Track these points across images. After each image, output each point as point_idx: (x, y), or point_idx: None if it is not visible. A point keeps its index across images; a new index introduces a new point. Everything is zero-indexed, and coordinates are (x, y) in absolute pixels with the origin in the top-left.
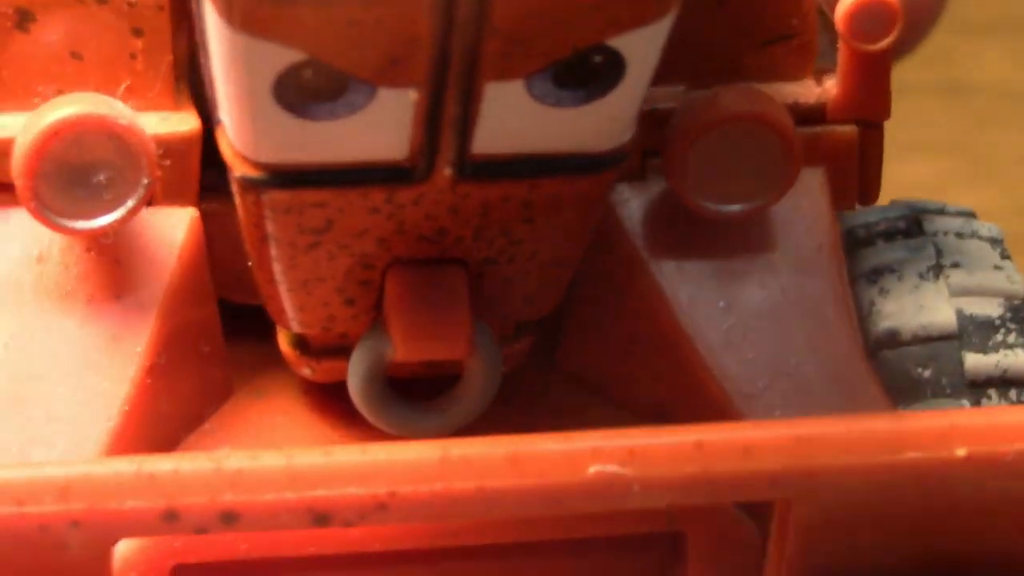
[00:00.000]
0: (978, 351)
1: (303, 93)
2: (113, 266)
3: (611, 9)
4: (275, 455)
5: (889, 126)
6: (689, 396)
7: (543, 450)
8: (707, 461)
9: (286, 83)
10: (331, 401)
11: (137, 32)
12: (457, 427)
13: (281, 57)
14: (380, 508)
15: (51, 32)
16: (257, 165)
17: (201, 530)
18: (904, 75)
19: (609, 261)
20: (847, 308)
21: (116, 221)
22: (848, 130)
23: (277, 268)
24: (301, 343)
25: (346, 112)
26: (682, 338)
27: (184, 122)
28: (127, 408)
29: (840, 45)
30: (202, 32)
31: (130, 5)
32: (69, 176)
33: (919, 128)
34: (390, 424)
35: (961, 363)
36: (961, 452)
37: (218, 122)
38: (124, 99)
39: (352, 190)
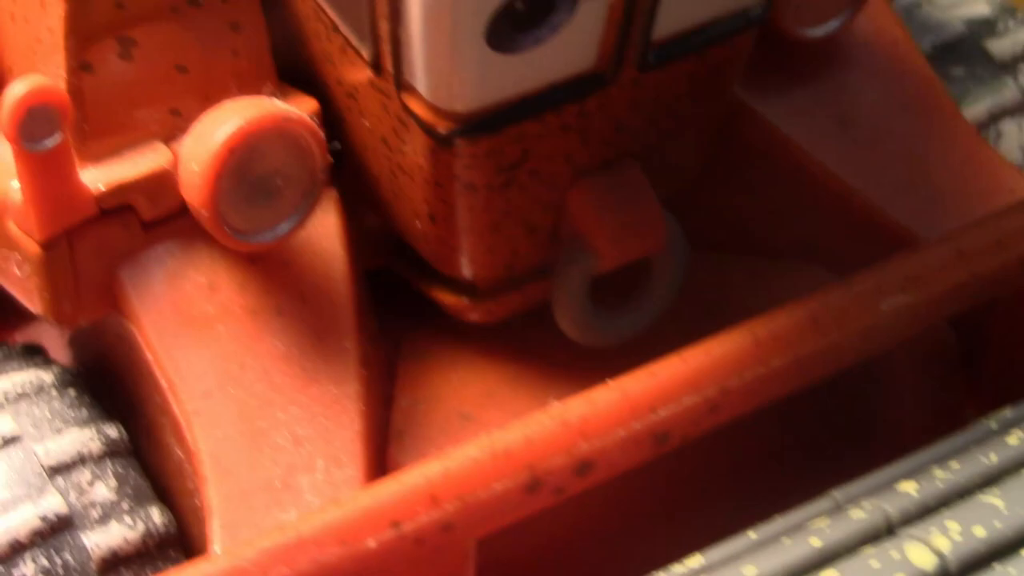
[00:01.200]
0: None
1: (512, 27)
2: (286, 269)
3: None
4: (608, 390)
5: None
6: (840, 224)
7: (834, 303)
8: (970, 265)
9: (499, 19)
10: (497, 339)
11: (235, 27)
12: (655, 319)
13: None
14: (713, 411)
15: (154, 52)
16: (460, 116)
17: (559, 491)
18: None
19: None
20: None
21: (299, 223)
22: None
23: (466, 217)
24: (468, 289)
25: (549, 34)
26: (816, 168)
27: (303, 103)
28: (363, 406)
29: None
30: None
31: (223, 1)
32: (248, 190)
33: None
34: (596, 335)
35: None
36: None
37: (405, 87)
38: (236, 97)
39: (549, 113)
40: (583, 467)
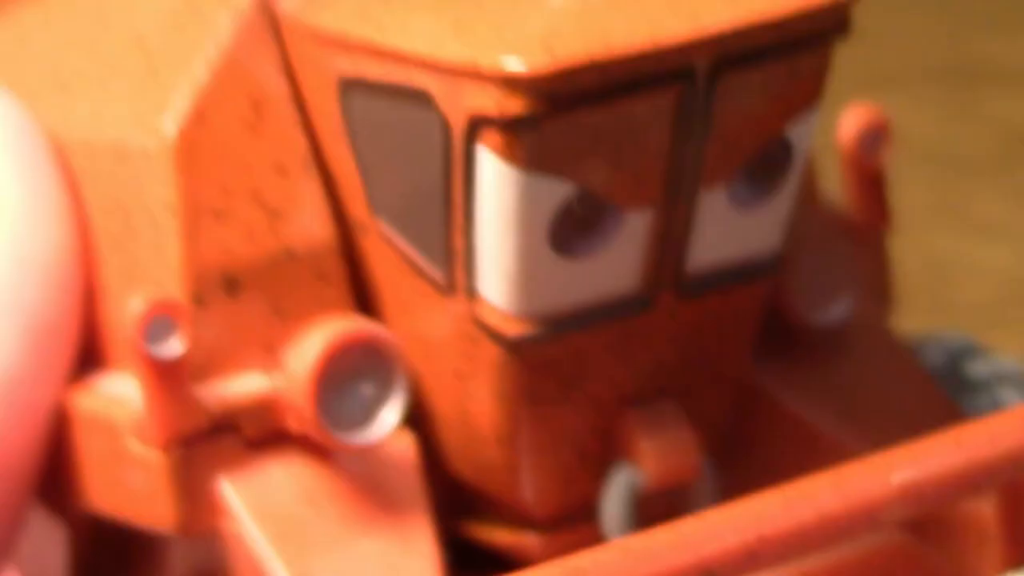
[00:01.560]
0: None
1: (571, 230)
2: (372, 484)
3: (788, 98)
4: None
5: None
6: None
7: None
8: (968, 453)
9: (559, 221)
10: None
11: (321, 277)
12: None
13: (557, 191)
14: (751, 557)
15: (256, 295)
16: (526, 321)
17: None
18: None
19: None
20: None
21: (389, 425)
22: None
23: (527, 431)
24: (526, 521)
25: (600, 244)
26: (832, 445)
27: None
28: None
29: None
30: (463, 205)
31: (314, 255)
32: (344, 392)
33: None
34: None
35: None
36: None
37: (473, 297)
38: None
39: (597, 329)
40: None
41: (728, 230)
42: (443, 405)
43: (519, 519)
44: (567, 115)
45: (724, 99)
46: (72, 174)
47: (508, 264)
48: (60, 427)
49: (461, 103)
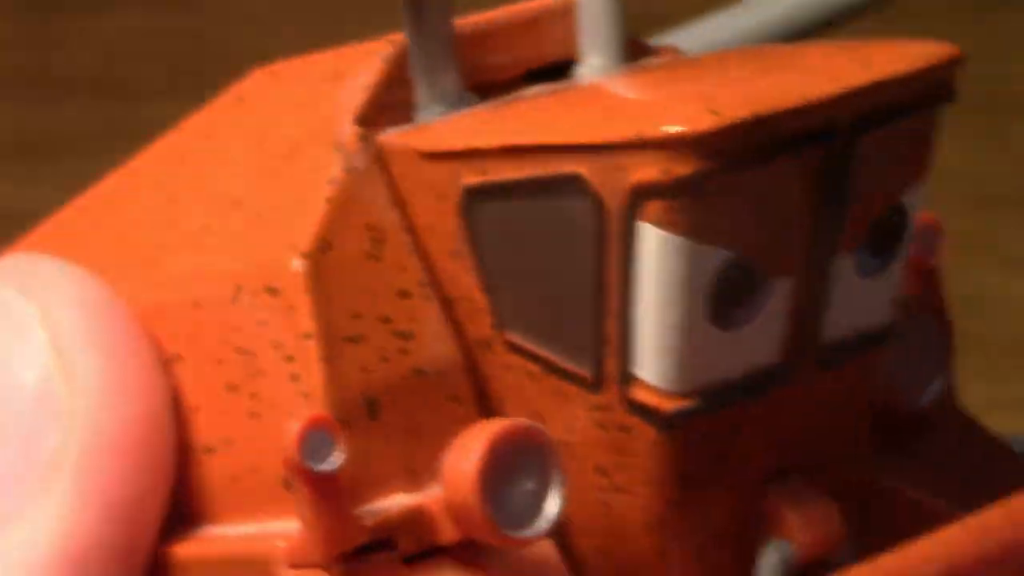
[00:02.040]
0: None
1: (726, 300)
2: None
3: (910, 162)
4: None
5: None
6: None
7: None
8: None
9: (715, 290)
10: None
11: (454, 399)
12: None
13: (715, 259)
14: None
15: (395, 415)
16: (683, 397)
17: None
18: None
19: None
20: None
21: (553, 518)
22: None
23: (677, 521)
24: None
25: (750, 315)
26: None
27: None
28: None
29: None
30: (618, 287)
31: (443, 374)
32: (505, 488)
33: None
34: None
35: None
36: None
37: (628, 380)
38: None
39: (746, 403)
40: None
41: (856, 298)
42: (581, 506)
43: None
44: (726, 178)
45: (860, 162)
46: (169, 337)
47: (668, 338)
48: None
49: (620, 179)
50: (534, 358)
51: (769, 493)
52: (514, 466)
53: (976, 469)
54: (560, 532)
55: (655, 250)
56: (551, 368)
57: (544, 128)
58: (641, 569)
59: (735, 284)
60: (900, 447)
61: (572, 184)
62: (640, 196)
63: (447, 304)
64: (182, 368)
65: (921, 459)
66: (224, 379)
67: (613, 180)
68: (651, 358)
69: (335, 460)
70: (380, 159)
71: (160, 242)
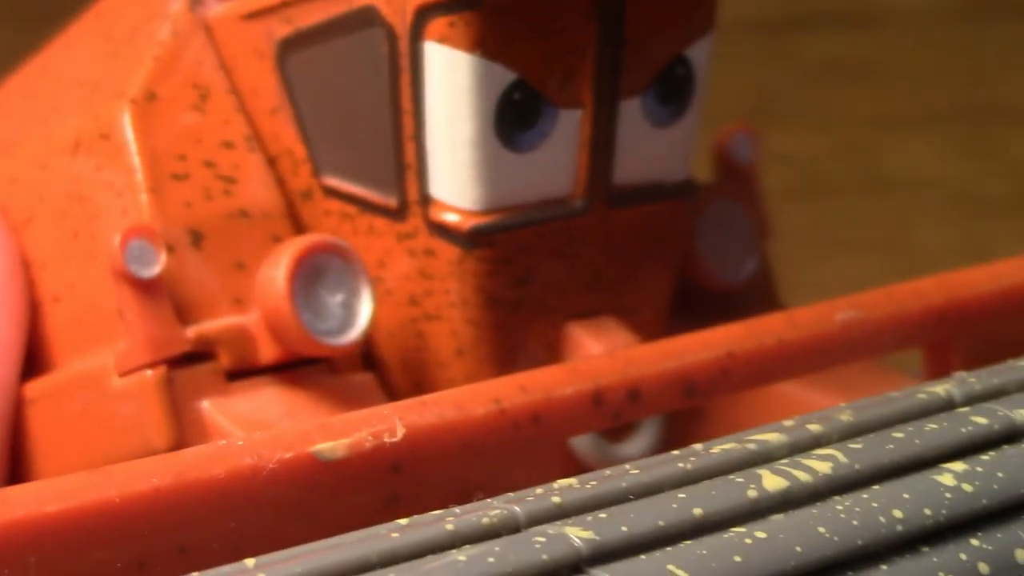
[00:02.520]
0: None
1: (513, 120)
2: (340, 399)
3: (692, 16)
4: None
5: (814, 225)
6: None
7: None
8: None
9: (502, 110)
10: None
11: (276, 239)
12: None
13: (500, 78)
14: (724, 374)
15: (219, 247)
16: (478, 213)
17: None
18: (827, 173)
19: None
20: None
21: (363, 328)
22: None
23: (489, 338)
24: None
25: (540, 140)
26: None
27: None
28: None
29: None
30: (412, 109)
31: (267, 216)
32: (315, 298)
33: (844, 228)
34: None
35: None
36: None
37: (427, 203)
38: None
39: (544, 228)
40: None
41: (645, 147)
42: (398, 342)
43: None
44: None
45: (635, 8)
46: (21, 204)
47: (461, 155)
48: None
49: (406, 2)
50: (349, 198)
51: (573, 327)
52: (323, 278)
53: None
54: (380, 370)
55: (440, 67)
56: (364, 205)
57: None
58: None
59: (522, 107)
60: (705, 319)
61: (367, 16)
62: (424, 15)
63: (271, 161)
64: (33, 228)
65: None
66: (68, 228)
67: (401, 5)
68: (446, 177)
69: (156, 266)
70: (208, 30)
71: (19, 131)
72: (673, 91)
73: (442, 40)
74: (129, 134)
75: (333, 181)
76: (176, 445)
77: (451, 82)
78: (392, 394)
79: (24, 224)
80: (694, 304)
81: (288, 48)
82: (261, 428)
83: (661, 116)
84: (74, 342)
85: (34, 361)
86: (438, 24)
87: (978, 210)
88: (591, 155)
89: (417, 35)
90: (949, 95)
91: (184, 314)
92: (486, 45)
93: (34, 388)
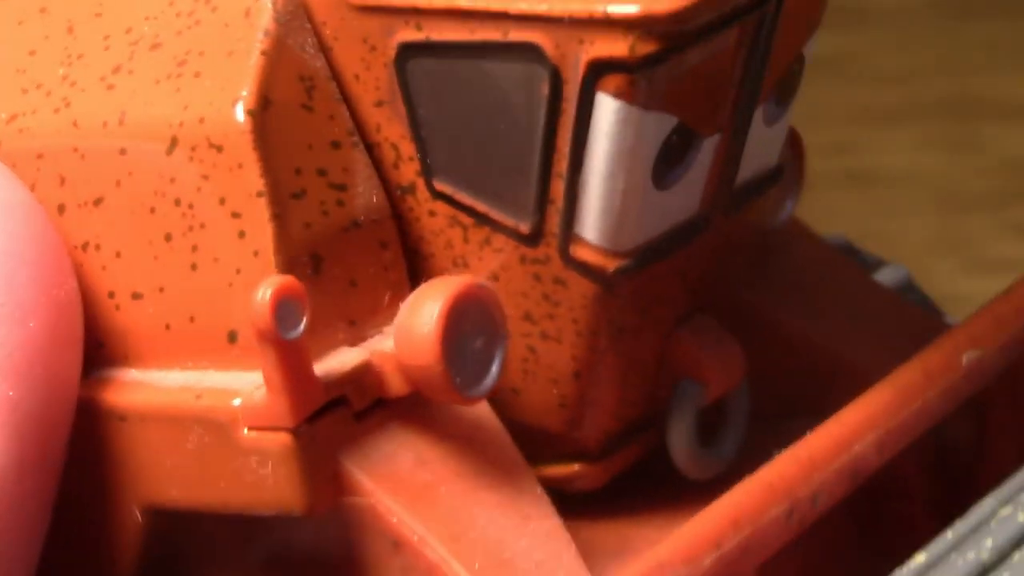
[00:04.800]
0: None
1: (668, 161)
2: (469, 442)
3: (812, 16)
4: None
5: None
6: (814, 377)
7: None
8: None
9: (661, 154)
10: (601, 504)
11: (383, 245)
12: (737, 452)
13: (664, 126)
14: (879, 450)
15: (335, 268)
16: (623, 254)
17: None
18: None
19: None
20: None
21: (500, 369)
22: None
23: (604, 366)
24: (580, 455)
25: (684, 173)
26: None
27: None
28: (566, 534)
29: None
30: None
31: (375, 222)
32: (462, 348)
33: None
34: (704, 466)
35: None
36: None
37: (571, 240)
38: (389, 306)
39: (677, 253)
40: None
41: (760, 145)
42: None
43: (570, 453)
44: (689, 52)
45: (783, 23)
46: (87, 181)
47: (616, 201)
48: (94, 427)
49: (579, 52)
50: (465, 209)
51: (681, 334)
52: (468, 325)
53: (814, 279)
54: None
55: (611, 119)
56: (482, 219)
57: None
58: (560, 413)
59: (678, 147)
60: (758, 264)
61: (528, 52)
62: (599, 70)
63: (370, 149)
64: (104, 211)
65: (774, 275)
66: (157, 228)
67: (572, 52)
68: (596, 219)
69: (302, 327)
70: (306, 9)
71: (65, 78)
72: (789, 89)
73: (618, 95)
74: (250, 152)
75: (448, 188)
76: (315, 505)
77: (621, 134)
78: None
79: (89, 203)
80: None
81: (412, 52)
82: (394, 480)
83: (775, 114)
84: (158, 349)
85: (94, 353)
86: (615, 79)
87: (959, 204)
88: (721, 173)
89: (589, 85)
90: (932, 91)
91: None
92: (660, 99)
93: (120, 399)
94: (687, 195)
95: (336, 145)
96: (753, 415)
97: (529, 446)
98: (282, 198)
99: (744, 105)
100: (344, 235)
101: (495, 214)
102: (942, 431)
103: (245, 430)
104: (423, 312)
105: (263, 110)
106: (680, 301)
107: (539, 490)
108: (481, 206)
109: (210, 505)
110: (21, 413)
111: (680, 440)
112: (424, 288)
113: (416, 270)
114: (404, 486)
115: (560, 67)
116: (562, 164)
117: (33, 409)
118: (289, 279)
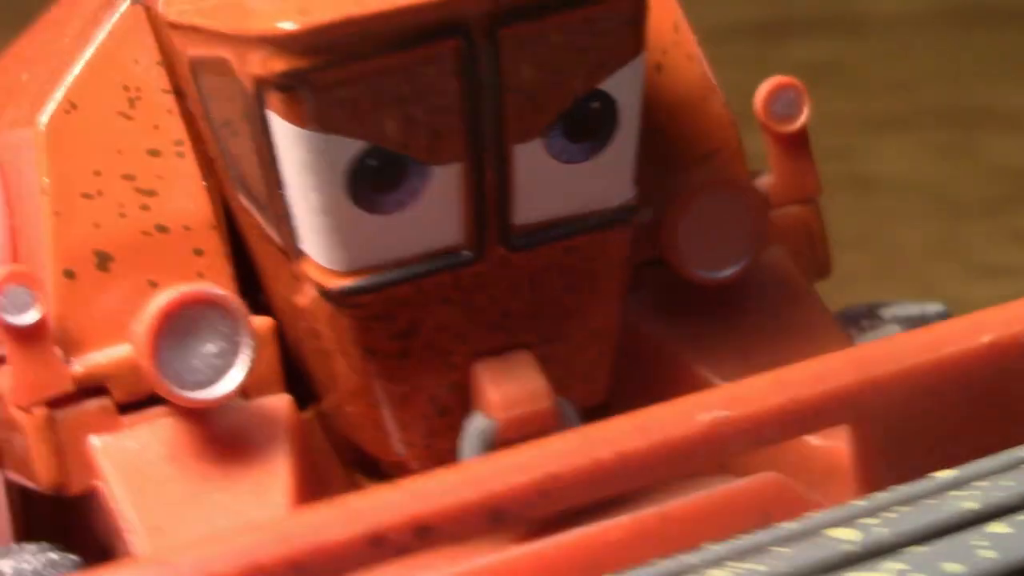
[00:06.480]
0: None
1: (371, 185)
2: (233, 443)
3: (597, 51)
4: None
5: (957, 249)
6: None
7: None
8: (790, 393)
9: (355, 177)
10: None
11: (198, 252)
12: None
13: (347, 148)
14: (543, 495)
15: (128, 267)
16: (346, 274)
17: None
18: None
19: (638, 364)
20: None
21: (238, 384)
22: (794, 210)
23: (377, 386)
24: (402, 471)
25: (409, 199)
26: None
27: (259, 321)
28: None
29: (764, 136)
30: (271, 167)
31: (187, 229)
32: (183, 351)
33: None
34: None
35: None
36: (986, 339)
37: (300, 255)
38: None
39: (426, 281)
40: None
41: (555, 184)
42: (313, 365)
43: (401, 471)
44: (339, 72)
45: (513, 53)
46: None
47: (315, 220)
48: None
49: (246, 68)
50: (255, 218)
51: (476, 368)
52: (196, 330)
53: (771, 346)
54: (312, 387)
55: (285, 139)
56: (263, 230)
57: (216, 11)
58: (363, 431)
59: (381, 171)
60: (693, 317)
61: (225, 67)
62: (262, 87)
63: (211, 163)
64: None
65: (711, 331)
66: (12, 213)
67: (244, 69)
68: (309, 237)
69: (33, 314)
70: (154, 23)
71: (16, 86)
72: (587, 127)
73: (279, 113)
74: (42, 152)
75: (243, 200)
76: (59, 484)
77: (294, 154)
78: (323, 408)
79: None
80: (689, 297)
81: (195, 66)
82: (141, 471)
83: (573, 153)
84: None
85: None
86: (273, 97)
87: (957, 211)
88: (476, 205)
89: (260, 103)
90: (930, 99)
91: (84, 339)
92: (323, 121)
93: None
94: (430, 224)
95: (155, 153)
96: None
97: (365, 458)
98: (68, 196)
99: (480, 137)
100: (144, 237)
101: (265, 229)
102: None
103: (12, 408)
104: (143, 313)
105: (65, 114)
106: (474, 335)
107: (281, 502)
108: (259, 220)
109: (15, 476)
110: None
111: None
112: (161, 291)
113: (261, 285)
114: (139, 476)
115: (244, 82)
116: (274, 178)
117: None
118: (21, 269)
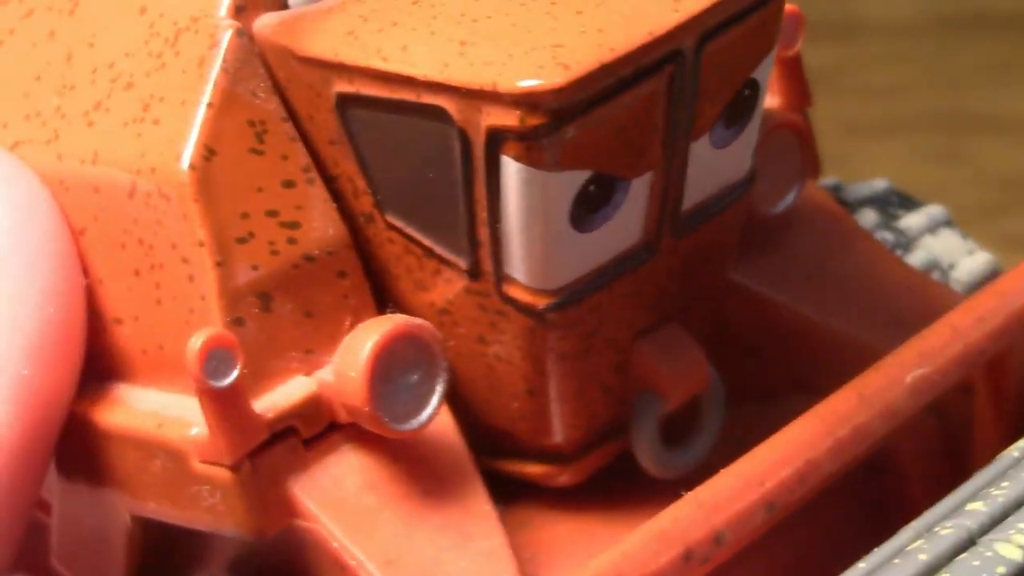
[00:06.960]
0: None
1: (587, 207)
2: (422, 462)
3: (756, 45)
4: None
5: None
6: (823, 360)
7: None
8: (963, 340)
9: (577, 203)
10: (581, 498)
11: (341, 274)
12: (706, 455)
13: (575, 180)
14: (802, 481)
15: (287, 302)
16: (552, 292)
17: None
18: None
19: None
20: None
21: (436, 409)
22: (792, 117)
23: (559, 386)
24: (557, 456)
25: (613, 213)
26: (797, 319)
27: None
28: (511, 554)
29: None
30: (487, 204)
31: (330, 254)
32: (394, 386)
33: None
34: (670, 468)
35: None
36: None
37: (505, 279)
38: (351, 330)
39: (615, 284)
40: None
41: (711, 168)
42: (467, 367)
43: (547, 454)
44: (585, 117)
45: (710, 63)
46: (74, 210)
47: (535, 249)
48: (88, 437)
49: (480, 120)
50: (413, 240)
51: (641, 348)
52: (401, 362)
53: (830, 265)
54: (453, 384)
55: (516, 179)
56: (428, 252)
57: (409, 56)
58: (526, 422)
59: (598, 194)
60: (759, 251)
61: (439, 114)
62: (498, 136)
63: (330, 181)
64: (87, 242)
65: (776, 260)
66: (128, 263)
67: (474, 118)
68: (520, 262)
69: (234, 375)
70: (257, 50)
71: (58, 109)
72: (738, 114)
73: (519, 159)
74: (191, 203)
75: (398, 222)
76: (260, 529)
77: (525, 191)
78: (465, 402)
79: (76, 231)
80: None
81: (349, 102)
82: (347, 505)
83: (727, 138)
84: (140, 369)
85: (91, 371)
86: (514, 145)
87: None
88: (661, 203)
89: (493, 149)
90: (923, 105)
91: (257, 382)
92: (562, 161)
93: (106, 417)
94: (621, 230)
95: (289, 184)
96: (746, 394)
97: (507, 444)
98: (226, 245)
99: (675, 144)
100: (295, 271)
101: (438, 249)
102: (942, 412)
103: (196, 461)
104: (353, 356)
105: (206, 161)
106: (638, 319)
107: (487, 507)
108: (426, 241)
109: (179, 520)
110: (29, 392)
111: (644, 447)
112: (359, 330)
113: (386, 289)
114: (347, 511)
115: (466, 130)
116: (483, 212)
117: (40, 389)
118: (220, 332)
